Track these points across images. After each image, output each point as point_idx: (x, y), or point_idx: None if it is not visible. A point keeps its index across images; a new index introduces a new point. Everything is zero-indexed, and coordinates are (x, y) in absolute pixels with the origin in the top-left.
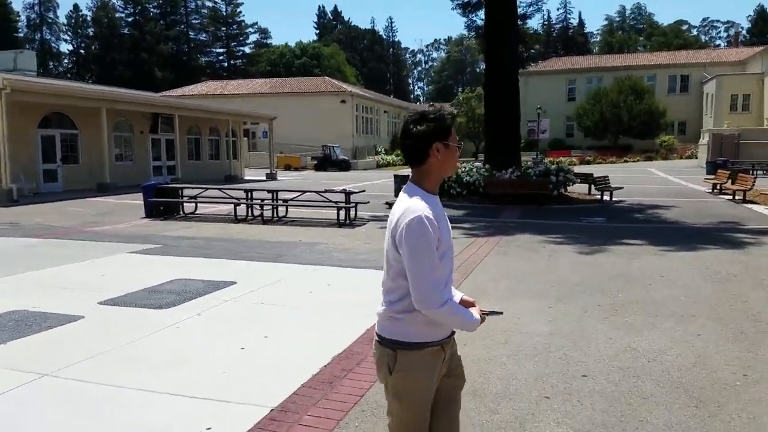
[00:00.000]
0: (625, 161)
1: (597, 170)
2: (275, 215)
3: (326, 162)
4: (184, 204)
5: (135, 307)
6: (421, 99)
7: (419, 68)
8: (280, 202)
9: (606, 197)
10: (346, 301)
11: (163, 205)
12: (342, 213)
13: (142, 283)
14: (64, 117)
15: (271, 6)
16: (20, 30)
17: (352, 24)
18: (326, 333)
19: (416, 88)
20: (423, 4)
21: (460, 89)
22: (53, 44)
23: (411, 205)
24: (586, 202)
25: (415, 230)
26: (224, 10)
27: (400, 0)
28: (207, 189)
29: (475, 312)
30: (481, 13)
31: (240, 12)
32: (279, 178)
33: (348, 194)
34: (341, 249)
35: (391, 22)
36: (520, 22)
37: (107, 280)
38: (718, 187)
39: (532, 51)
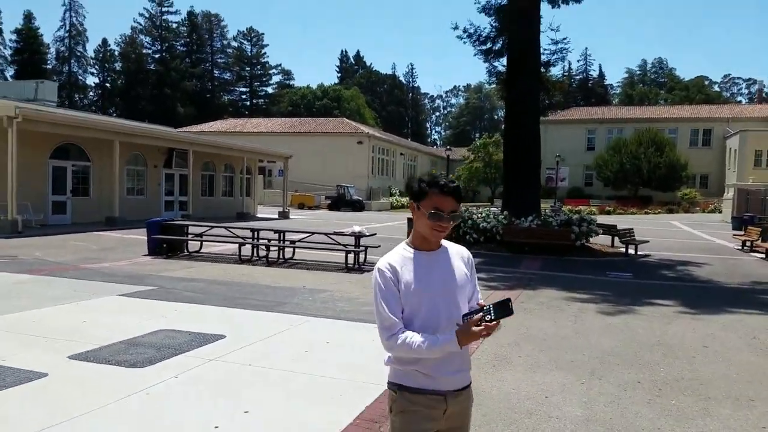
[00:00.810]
0: (646, 213)
1: (618, 221)
2: (281, 257)
3: (340, 202)
4: (189, 242)
5: (108, 363)
6: (438, 143)
7: (437, 113)
8: (287, 243)
9: (631, 250)
10: (346, 364)
11: (166, 243)
12: (351, 257)
13: (124, 333)
14: (78, 148)
15: (295, 48)
16: (49, 62)
17: (374, 69)
18: (319, 408)
19: (434, 132)
20: (444, 52)
21: (477, 135)
22: (80, 77)
23: (383, 257)
24: (610, 255)
25: (372, 280)
26: (249, 50)
27: (421, 47)
28: (212, 227)
29: (452, 335)
30: (504, 60)
31: (265, 53)
32: (291, 217)
33: (358, 237)
34: (346, 298)
35: (412, 68)
36: (543, 70)
37: (87, 327)
38: (748, 244)
39: (554, 99)
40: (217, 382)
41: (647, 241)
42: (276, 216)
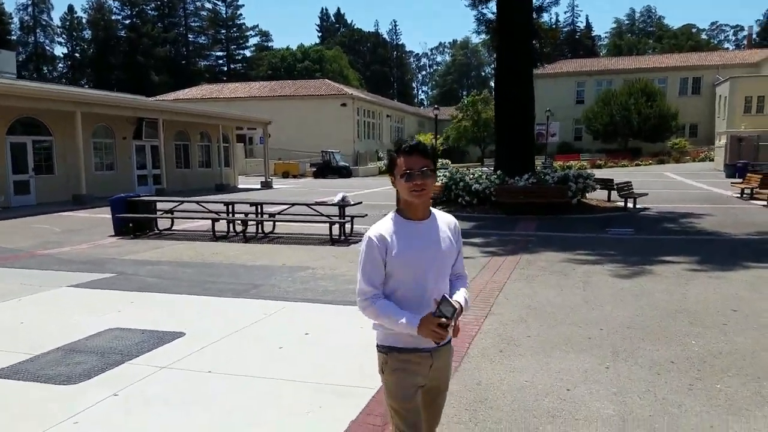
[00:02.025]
0: (637, 164)
1: (611, 174)
2: (261, 231)
3: (326, 168)
4: (159, 220)
5: (35, 380)
6: (425, 103)
7: (423, 72)
8: (266, 216)
9: (629, 204)
10: (325, 363)
11: (132, 222)
12: (336, 228)
13: (65, 336)
14: (38, 122)
15: (272, 8)
16: (13, 32)
17: (356, 27)
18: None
19: (420, 92)
20: (428, 7)
21: (465, 93)
22: (48, 47)
23: (372, 226)
24: (608, 210)
25: (361, 245)
26: (224, 12)
27: (404, 2)
28: (183, 202)
29: (417, 318)
30: (493, 5)
31: (240, 14)
32: (275, 186)
33: (342, 207)
34: (330, 275)
35: (395, 25)
36: (535, 16)
37: (22, 331)
38: (747, 191)
39: (547, 48)
40: (166, 398)
41: (646, 194)
42: (258, 186)
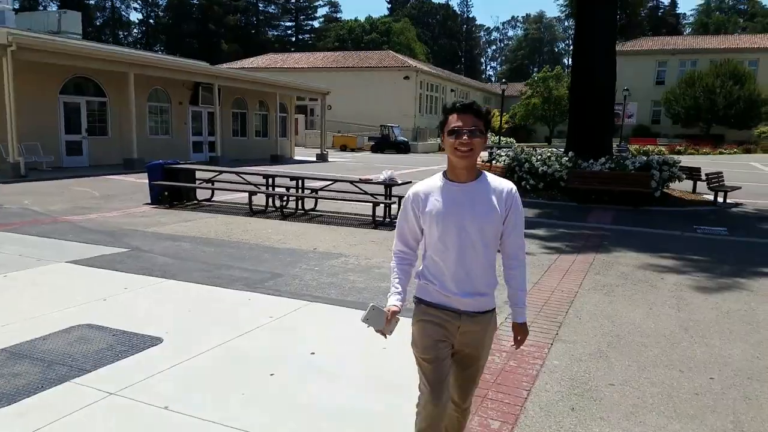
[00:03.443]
0: (721, 152)
1: (692, 162)
2: (300, 207)
3: (384, 143)
4: (201, 189)
5: None
6: (494, 80)
7: (494, 47)
8: (308, 191)
9: (720, 199)
10: (334, 405)
11: (168, 190)
12: (380, 209)
13: (22, 332)
14: (92, 82)
15: None
16: None
17: None
18: None
19: (489, 68)
20: None
21: (536, 69)
22: (123, 13)
23: (416, 183)
24: (695, 203)
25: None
26: None
27: None
28: (222, 172)
29: (392, 302)
30: None
31: None
32: (330, 160)
33: (388, 186)
34: (363, 266)
35: None
36: None
37: None
38: None
39: (635, 16)
40: None
41: (739, 188)
42: (314, 159)
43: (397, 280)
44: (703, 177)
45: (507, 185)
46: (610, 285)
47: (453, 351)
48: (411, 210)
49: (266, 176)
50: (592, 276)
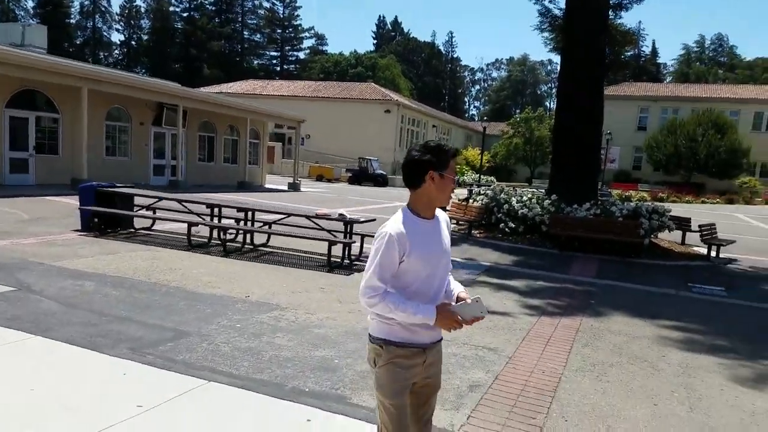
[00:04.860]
0: (703, 202)
1: (679, 210)
2: (249, 242)
3: (361, 175)
4: (140, 217)
5: None
6: (476, 118)
7: (477, 87)
8: (259, 224)
9: (713, 253)
10: None
11: (98, 216)
12: (337, 249)
13: None
14: (43, 96)
15: (330, 12)
16: (73, 16)
17: (411, 36)
18: None
19: (472, 107)
20: (487, 18)
21: (518, 111)
22: (105, 33)
23: (388, 222)
24: (686, 257)
25: (377, 240)
26: (281, 12)
27: (463, 15)
28: (162, 199)
29: (435, 309)
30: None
31: (297, 15)
32: (303, 189)
33: (348, 223)
34: (300, 323)
35: (452, 37)
36: (612, 14)
37: None
38: None
39: (623, 56)
40: None
41: (734, 242)
42: (285, 188)
43: (405, 301)
44: (695, 228)
45: (445, 216)
46: (602, 364)
47: (413, 390)
48: (396, 250)
49: (210, 206)
50: (579, 348)
